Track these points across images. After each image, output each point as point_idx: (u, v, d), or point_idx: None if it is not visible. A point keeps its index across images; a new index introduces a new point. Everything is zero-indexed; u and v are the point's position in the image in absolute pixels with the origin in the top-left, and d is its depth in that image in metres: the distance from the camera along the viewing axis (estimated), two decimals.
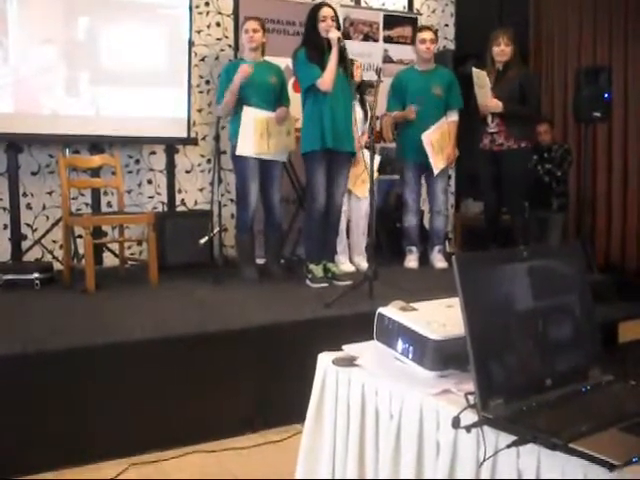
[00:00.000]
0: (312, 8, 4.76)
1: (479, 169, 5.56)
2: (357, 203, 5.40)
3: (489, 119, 5.31)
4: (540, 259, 1.76)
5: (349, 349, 2.11)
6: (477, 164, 5.59)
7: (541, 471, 1.44)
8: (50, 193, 5.50)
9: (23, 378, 3.00)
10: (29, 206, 5.46)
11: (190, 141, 5.89)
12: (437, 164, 5.34)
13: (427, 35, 5.35)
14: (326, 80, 4.55)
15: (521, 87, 5.25)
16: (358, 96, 5.34)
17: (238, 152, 4.78)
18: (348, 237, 5.47)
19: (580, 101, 5.50)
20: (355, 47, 5.92)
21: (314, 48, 4.63)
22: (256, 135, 4.77)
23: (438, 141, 5.34)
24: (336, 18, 4.67)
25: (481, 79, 5.19)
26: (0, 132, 5.11)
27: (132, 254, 5.77)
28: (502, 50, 5.26)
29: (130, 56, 5.48)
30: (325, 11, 4.63)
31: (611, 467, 1.31)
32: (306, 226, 4.95)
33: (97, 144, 5.57)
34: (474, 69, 5.26)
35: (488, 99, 5.20)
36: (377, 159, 5.44)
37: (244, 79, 4.71)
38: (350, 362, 2.01)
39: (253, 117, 4.77)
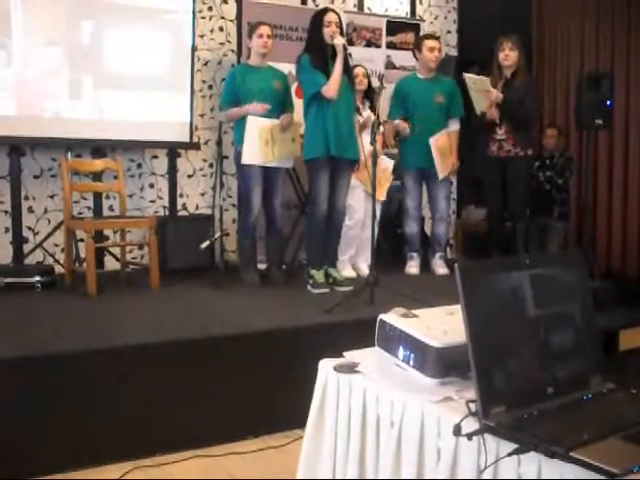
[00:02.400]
0: (316, 13, 4.76)
1: (485, 175, 5.57)
2: (370, 204, 5.32)
3: (497, 122, 5.30)
4: (542, 267, 1.76)
5: (350, 355, 2.11)
6: (481, 170, 5.60)
7: (542, 479, 1.44)
8: (52, 196, 5.50)
9: (25, 381, 3.00)
10: (31, 209, 5.46)
11: (192, 145, 5.89)
12: (443, 170, 5.36)
13: (436, 44, 5.34)
14: (331, 87, 4.54)
15: (526, 95, 5.27)
16: (368, 102, 5.35)
17: (244, 161, 4.78)
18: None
19: (582, 108, 5.50)
20: (358, 53, 5.92)
21: (318, 54, 4.61)
22: (261, 143, 4.77)
23: (442, 149, 5.35)
24: (340, 24, 4.67)
25: (478, 83, 5.18)
26: (3, 135, 5.11)
27: (133, 258, 5.77)
28: (506, 55, 5.26)
29: (133, 60, 5.48)
30: (330, 16, 4.62)
31: (611, 476, 1.32)
32: (308, 232, 4.95)
33: (99, 148, 5.58)
34: (466, 75, 5.25)
35: (490, 93, 5.18)
36: (391, 163, 5.46)
37: (254, 113, 4.74)
38: (351, 369, 2.02)
39: (258, 126, 4.77)
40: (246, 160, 4.78)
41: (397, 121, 5.43)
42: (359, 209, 5.31)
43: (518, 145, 5.32)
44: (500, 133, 5.35)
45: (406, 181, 5.52)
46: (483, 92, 5.21)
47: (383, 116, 5.62)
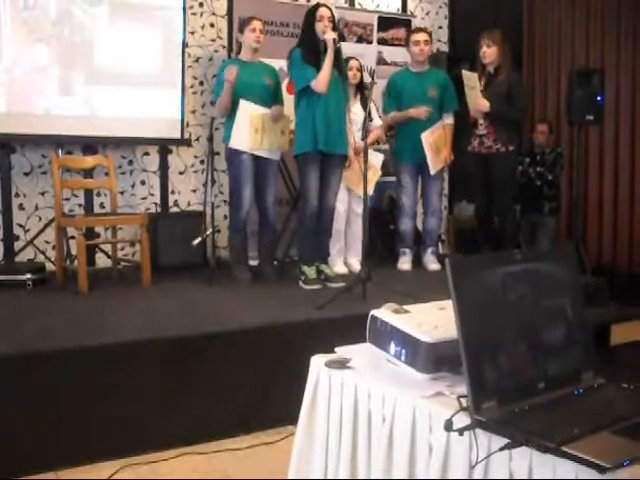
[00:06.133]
0: (310, 8, 4.77)
1: (469, 171, 5.59)
2: (357, 202, 5.33)
3: (480, 121, 5.32)
4: (533, 262, 1.76)
5: (342, 351, 2.11)
6: (465, 166, 5.62)
7: (533, 474, 1.44)
8: (43, 194, 5.48)
9: (15, 379, 2.99)
10: (22, 207, 5.43)
11: (183, 142, 5.87)
12: (434, 165, 5.36)
13: (421, 37, 5.36)
14: (320, 81, 4.54)
15: (509, 91, 5.27)
16: (359, 97, 5.35)
17: (231, 144, 4.77)
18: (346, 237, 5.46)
19: (573, 103, 5.51)
20: (349, 49, 5.92)
21: (309, 49, 4.62)
22: (251, 130, 4.77)
23: (436, 143, 5.36)
24: (333, 19, 4.67)
25: (472, 80, 5.21)
26: None
27: (125, 255, 5.75)
28: (484, 52, 5.30)
29: (124, 57, 5.45)
30: (322, 11, 4.62)
31: (602, 470, 1.32)
32: (299, 228, 4.95)
33: (90, 145, 5.55)
34: (464, 71, 5.28)
35: (478, 99, 5.21)
36: (381, 158, 5.45)
37: (233, 79, 4.70)
38: (343, 364, 2.01)
39: (249, 112, 4.77)
40: (234, 144, 4.77)
41: (392, 114, 5.43)
42: (341, 205, 5.28)
43: (499, 141, 5.31)
44: (481, 128, 5.36)
45: (402, 177, 5.49)
46: (474, 89, 5.22)
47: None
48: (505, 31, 5.50)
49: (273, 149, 4.91)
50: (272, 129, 4.86)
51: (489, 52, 5.28)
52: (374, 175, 5.41)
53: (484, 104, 5.21)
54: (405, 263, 5.54)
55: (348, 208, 5.38)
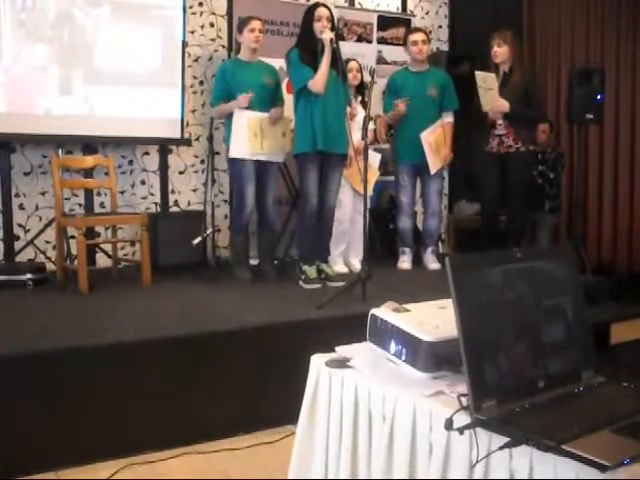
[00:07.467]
0: (308, 8, 4.75)
1: (483, 171, 5.53)
2: (358, 200, 5.31)
3: (498, 122, 5.29)
4: (533, 261, 1.76)
5: (342, 350, 2.11)
6: (479, 166, 5.58)
7: (534, 473, 1.44)
8: (43, 194, 5.48)
9: (16, 379, 2.99)
10: (22, 206, 5.43)
11: (183, 142, 5.87)
12: (434, 164, 5.35)
13: (418, 37, 5.35)
14: (317, 81, 4.54)
15: (526, 91, 5.25)
16: (360, 97, 5.35)
17: (231, 155, 4.77)
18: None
19: (573, 102, 5.51)
20: (349, 48, 5.93)
21: (307, 49, 4.62)
22: (250, 135, 4.75)
23: (436, 142, 5.34)
24: (332, 19, 4.66)
25: (488, 82, 5.17)
26: None
27: (125, 255, 5.75)
28: (495, 51, 5.28)
29: (124, 56, 5.45)
30: (321, 11, 4.61)
31: (603, 468, 1.32)
32: (299, 227, 4.95)
33: (90, 144, 5.55)
34: (477, 73, 5.25)
35: (496, 100, 5.18)
36: (378, 158, 5.44)
37: (243, 105, 4.71)
38: (343, 363, 2.01)
39: (246, 119, 4.75)
40: (234, 153, 4.77)
41: (390, 113, 5.42)
42: (347, 204, 5.30)
43: (519, 140, 5.28)
44: (500, 128, 5.32)
45: (400, 176, 5.49)
46: (491, 90, 5.19)
47: (376, 111, 5.63)
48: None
49: (274, 153, 4.90)
50: (271, 132, 4.84)
51: (500, 52, 5.27)
52: (372, 175, 5.40)
53: (504, 105, 5.17)
54: (405, 262, 5.54)
55: (352, 208, 5.37)
